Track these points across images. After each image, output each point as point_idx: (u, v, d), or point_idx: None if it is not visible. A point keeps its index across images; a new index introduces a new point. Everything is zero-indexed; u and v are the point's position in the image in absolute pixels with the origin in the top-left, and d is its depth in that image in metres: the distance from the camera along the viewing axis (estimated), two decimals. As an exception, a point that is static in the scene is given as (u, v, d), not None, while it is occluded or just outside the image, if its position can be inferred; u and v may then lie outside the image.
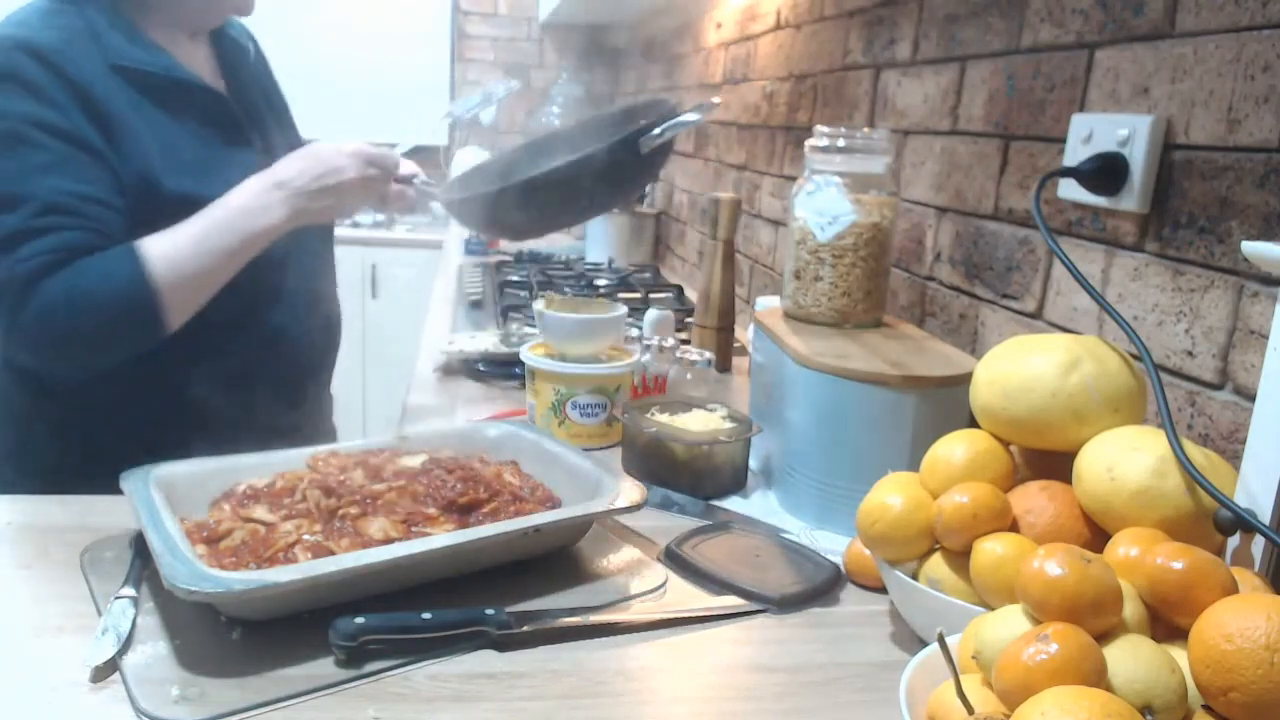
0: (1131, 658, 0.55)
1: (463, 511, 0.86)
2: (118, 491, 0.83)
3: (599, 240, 2.68)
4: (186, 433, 1.00)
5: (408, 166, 1.28)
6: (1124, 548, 0.66)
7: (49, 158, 1.00)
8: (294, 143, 1.25)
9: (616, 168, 1.17)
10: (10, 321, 1.00)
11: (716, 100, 1.27)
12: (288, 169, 1.10)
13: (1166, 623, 0.61)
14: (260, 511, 0.84)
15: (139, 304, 1.01)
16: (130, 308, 1.01)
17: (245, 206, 1.07)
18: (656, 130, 1.08)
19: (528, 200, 1.17)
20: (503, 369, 1.51)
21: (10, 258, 0.98)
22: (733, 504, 1.08)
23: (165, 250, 1.03)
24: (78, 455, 1.11)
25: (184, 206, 1.06)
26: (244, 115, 1.20)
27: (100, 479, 0.89)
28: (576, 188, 1.16)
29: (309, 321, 1.26)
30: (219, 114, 1.15)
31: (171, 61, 1.11)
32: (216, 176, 1.10)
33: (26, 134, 0.99)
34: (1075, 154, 0.97)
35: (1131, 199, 0.90)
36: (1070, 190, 0.98)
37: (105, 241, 1.02)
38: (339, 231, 1.45)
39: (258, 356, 1.19)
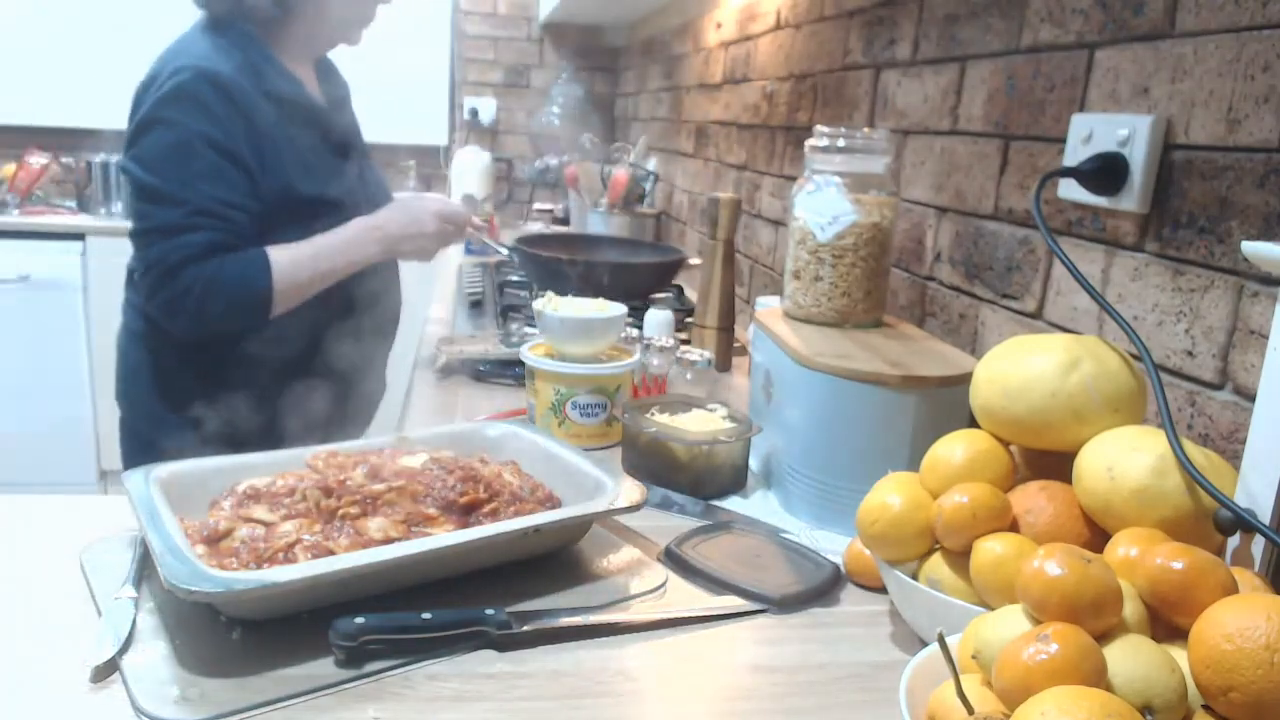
0: (1131, 658, 0.55)
1: (463, 512, 0.86)
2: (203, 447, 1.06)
3: (599, 240, 2.68)
4: (267, 402, 1.39)
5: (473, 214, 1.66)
6: (1124, 548, 0.66)
7: (207, 167, 1.28)
8: (365, 150, 1.57)
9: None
10: (153, 291, 1.31)
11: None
12: (385, 216, 1.43)
13: (1166, 623, 0.61)
14: (260, 511, 0.84)
15: (256, 300, 1.33)
16: (249, 301, 1.33)
17: (349, 240, 1.39)
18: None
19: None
20: (503, 369, 1.51)
21: (167, 243, 1.29)
22: (733, 504, 1.08)
23: (285, 263, 1.34)
24: (174, 404, 1.41)
25: (312, 205, 1.38)
26: (343, 132, 1.50)
27: (189, 431, 1.32)
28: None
29: (378, 315, 1.55)
30: (330, 131, 1.45)
31: (305, 90, 1.42)
32: (335, 181, 1.43)
33: (195, 146, 1.28)
34: (1075, 154, 0.97)
35: (1131, 199, 0.90)
36: (1070, 190, 0.98)
37: (238, 239, 1.31)
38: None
39: (337, 344, 1.48)
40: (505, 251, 1.86)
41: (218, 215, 1.29)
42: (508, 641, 0.75)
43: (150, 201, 1.29)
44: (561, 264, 1.78)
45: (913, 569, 0.78)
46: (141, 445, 1.46)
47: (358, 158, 1.52)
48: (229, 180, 1.30)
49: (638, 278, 1.85)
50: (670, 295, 2.09)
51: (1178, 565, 0.60)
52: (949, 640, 0.59)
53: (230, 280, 1.30)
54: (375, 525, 0.81)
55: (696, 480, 1.08)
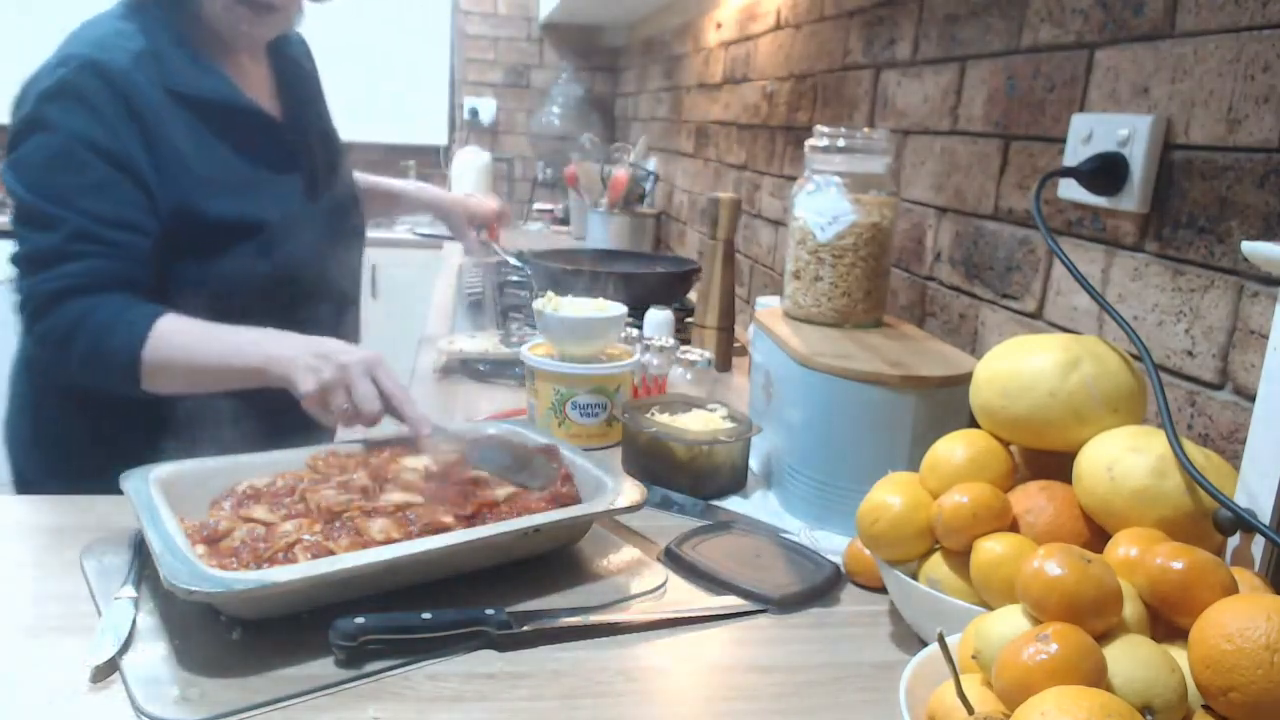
0: (1131, 658, 0.55)
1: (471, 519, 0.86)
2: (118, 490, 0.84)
3: (599, 240, 2.68)
4: (210, 430, 1.03)
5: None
6: (1124, 548, 0.66)
7: (92, 179, 1.05)
8: (334, 162, 1.31)
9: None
10: (28, 327, 1.08)
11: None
12: (301, 345, 1.03)
13: (1166, 623, 0.61)
14: (260, 511, 0.84)
15: (119, 362, 1.04)
16: (111, 361, 1.04)
17: (257, 341, 1.05)
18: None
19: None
20: (503, 369, 1.51)
21: (42, 274, 1.05)
22: (733, 504, 1.08)
23: (171, 334, 1.05)
24: (87, 449, 1.13)
25: (223, 229, 1.12)
26: (295, 140, 1.23)
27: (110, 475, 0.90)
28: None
29: (336, 324, 1.26)
30: (269, 139, 1.19)
31: (227, 86, 1.15)
32: (261, 200, 1.16)
33: (77, 153, 1.05)
34: (1075, 154, 0.97)
35: (1131, 199, 0.90)
36: (1070, 190, 0.98)
37: (132, 267, 1.07)
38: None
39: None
40: (514, 261, 1.83)
41: (102, 240, 1.05)
42: (508, 641, 0.75)
43: (25, 223, 1.07)
44: (581, 274, 1.78)
45: (913, 569, 0.78)
46: (24, 485, 1.21)
47: (317, 171, 1.25)
48: (119, 195, 1.06)
49: (654, 291, 1.83)
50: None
51: (1178, 565, 0.60)
52: (949, 640, 0.59)
53: (96, 328, 1.04)
54: (377, 526, 0.81)
55: (696, 480, 1.08)
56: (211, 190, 1.12)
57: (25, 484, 1.21)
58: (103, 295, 1.04)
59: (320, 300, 1.22)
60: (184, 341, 1.05)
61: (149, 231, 1.08)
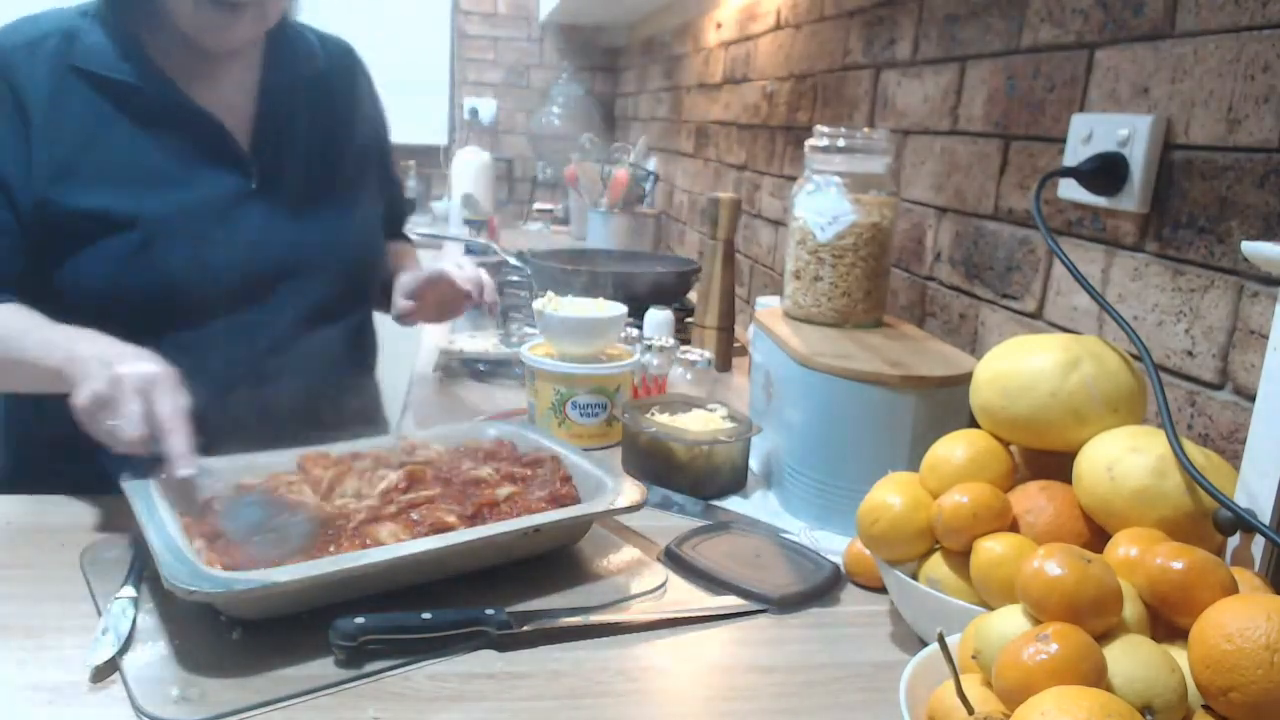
0: (1131, 658, 0.55)
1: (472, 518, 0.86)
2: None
3: (599, 240, 2.68)
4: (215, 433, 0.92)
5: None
6: (1124, 548, 0.66)
7: None
8: (328, 191, 1.15)
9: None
10: None
11: None
12: (103, 349, 0.89)
13: (1166, 623, 0.61)
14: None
15: None
16: None
17: (71, 339, 0.91)
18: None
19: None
20: (503, 369, 1.51)
21: None
22: (733, 504, 1.08)
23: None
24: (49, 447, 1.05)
25: (87, 222, 1.00)
26: (250, 138, 1.11)
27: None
28: None
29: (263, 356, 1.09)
30: (193, 127, 1.06)
31: (138, 69, 1.02)
32: (171, 192, 1.03)
33: None
34: (1075, 154, 0.97)
35: (1131, 199, 0.90)
36: (1070, 190, 0.98)
37: None
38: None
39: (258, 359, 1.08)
40: (514, 261, 1.77)
41: None
42: (508, 641, 0.75)
43: None
44: (581, 274, 1.77)
45: (913, 569, 0.78)
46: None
47: (270, 176, 1.10)
48: None
49: (654, 291, 1.82)
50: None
51: (1178, 565, 0.60)
52: (949, 640, 0.59)
53: None
54: (387, 531, 0.81)
55: (696, 480, 1.08)
56: (86, 180, 1.00)
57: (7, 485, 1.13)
58: None
59: (248, 328, 1.06)
60: (5, 333, 0.95)
61: (3, 227, 0.99)
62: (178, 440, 0.83)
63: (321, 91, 1.18)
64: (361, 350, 1.27)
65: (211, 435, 0.88)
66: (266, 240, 1.08)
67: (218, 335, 1.04)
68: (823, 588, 0.86)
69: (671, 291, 1.86)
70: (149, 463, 0.84)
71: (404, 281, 1.24)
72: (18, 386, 1.00)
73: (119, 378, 0.84)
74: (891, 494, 0.78)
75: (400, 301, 1.22)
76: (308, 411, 1.03)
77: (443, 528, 0.82)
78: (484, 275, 1.21)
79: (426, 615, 0.73)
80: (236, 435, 0.92)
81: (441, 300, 1.23)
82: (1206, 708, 0.55)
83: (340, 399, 1.14)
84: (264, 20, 1.06)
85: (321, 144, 1.17)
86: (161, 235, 1.02)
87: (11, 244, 1.00)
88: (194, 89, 1.07)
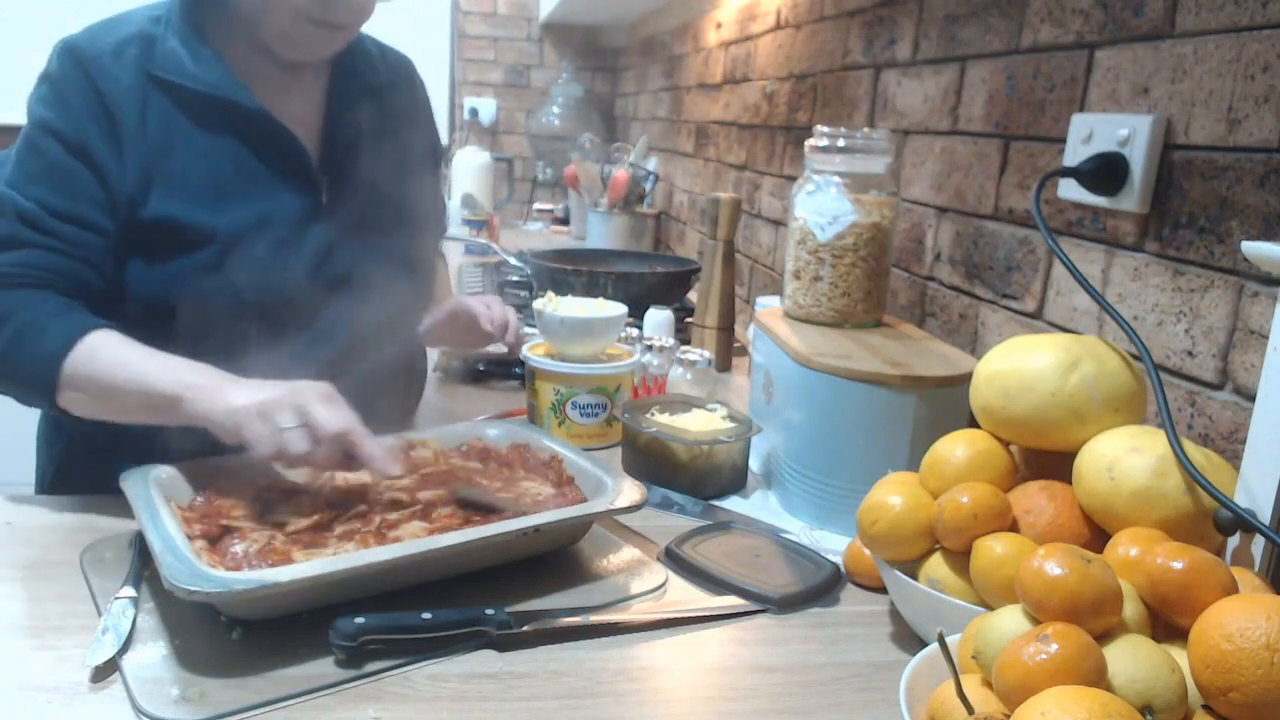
0: (1131, 658, 0.55)
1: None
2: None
3: (599, 240, 2.68)
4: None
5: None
6: (1124, 548, 0.66)
7: (47, 167, 0.97)
8: (380, 192, 1.12)
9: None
10: None
11: None
12: (245, 394, 0.87)
13: (1166, 623, 0.61)
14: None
15: (38, 372, 0.93)
16: (30, 369, 0.93)
17: (191, 382, 0.89)
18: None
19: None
20: (503, 369, 1.51)
21: None
22: (733, 504, 1.08)
23: (101, 349, 0.93)
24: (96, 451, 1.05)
25: (166, 233, 0.99)
26: (319, 153, 1.09)
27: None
28: None
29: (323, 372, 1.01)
30: (271, 140, 1.05)
31: (219, 79, 1.01)
32: (247, 205, 1.02)
33: (39, 140, 0.98)
34: (1075, 154, 0.97)
35: (1131, 199, 0.90)
36: (1070, 190, 0.98)
37: (75, 264, 0.96)
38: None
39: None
40: (514, 261, 1.76)
41: (47, 230, 0.95)
42: (508, 641, 0.75)
43: None
44: (581, 274, 1.77)
45: (913, 569, 0.78)
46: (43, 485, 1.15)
47: (338, 193, 1.09)
48: (73, 187, 0.97)
49: (654, 291, 1.82)
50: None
51: (1178, 565, 0.60)
52: (949, 640, 0.59)
53: (21, 326, 0.93)
54: (410, 531, 0.82)
55: (696, 480, 1.08)
56: (166, 190, 0.99)
57: (44, 485, 1.15)
58: (39, 292, 0.95)
59: (309, 344, 1.04)
60: (110, 359, 0.92)
61: (103, 231, 0.98)
62: (374, 444, 0.85)
63: (384, 105, 1.15)
64: (413, 368, 1.25)
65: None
66: (334, 256, 1.07)
67: (285, 350, 1.01)
68: (823, 588, 0.86)
69: (671, 291, 1.86)
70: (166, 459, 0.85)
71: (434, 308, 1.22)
72: (115, 415, 0.95)
73: (299, 386, 0.85)
74: (891, 494, 0.78)
75: (426, 322, 1.20)
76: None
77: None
78: (511, 317, 1.18)
79: (426, 615, 0.73)
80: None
81: (463, 333, 1.20)
82: (1206, 708, 0.55)
83: (389, 411, 1.11)
84: (351, 35, 1.06)
85: (384, 159, 1.14)
86: (236, 250, 1.00)
87: (112, 252, 0.98)
88: (267, 100, 1.05)
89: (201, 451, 0.89)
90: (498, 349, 1.35)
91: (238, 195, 1.02)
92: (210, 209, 1.00)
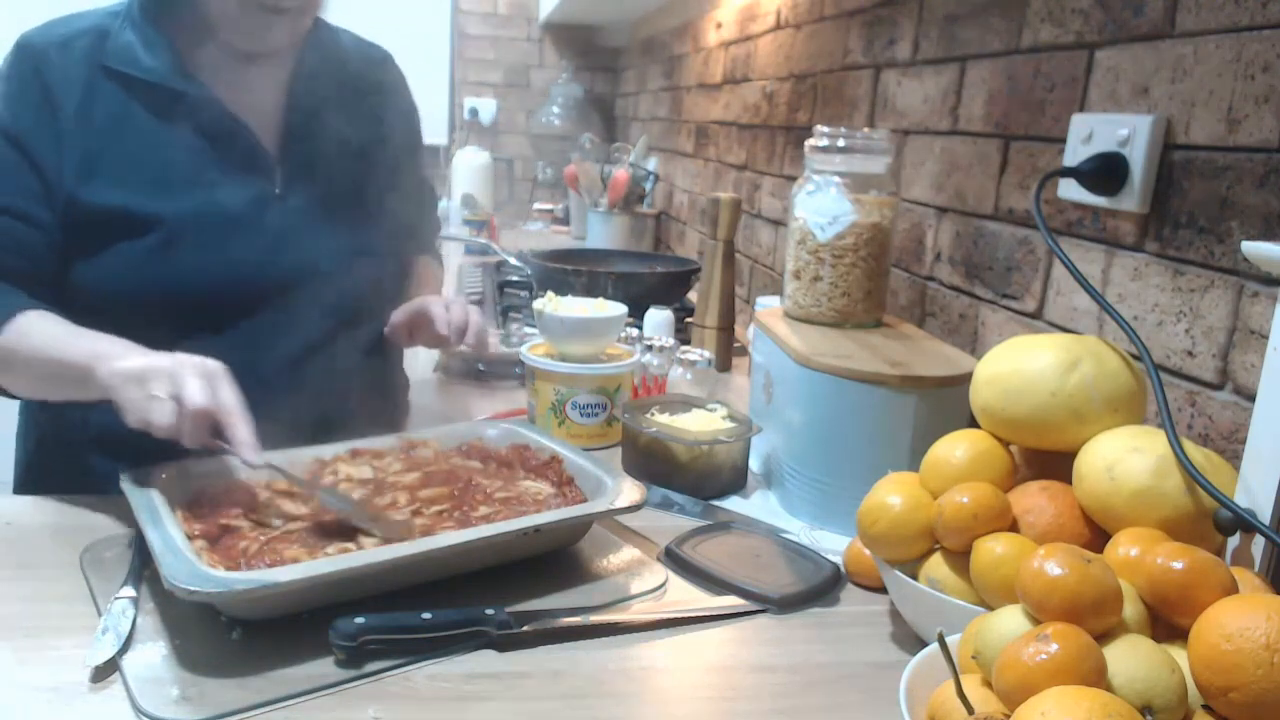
0: (1131, 658, 0.55)
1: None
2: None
3: (599, 240, 2.68)
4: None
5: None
6: (1124, 548, 0.66)
7: None
8: (343, 183, 1.12)
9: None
10: None
11: None
12: (132, 360, 0.87)
13: (1166, 623, 0.61)
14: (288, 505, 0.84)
15: None
16: None
17: (99, 350, 0.90)
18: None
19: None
20: (503, 369, 1.51)
21: None
22: (733, 504, 1.08)
23: (33, 329, 0.95)
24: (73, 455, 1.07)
25: (109, 221, 0.99)
26: (276, 143, 1.09)
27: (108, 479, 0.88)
28: None
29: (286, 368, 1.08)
30: (223, 129, 1.05)
31: (168, 68, 1.02)
32: (194, 193, 1.02)
33: None
34: (1075, 154, 0.97)
35: (1131, 199, 0.90)
36: (1070, 190, 0.98)
37: (9, 256, 0.97)
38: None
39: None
40: (514, 261, 1.76)
41: None
42: (508, 641, 0.75)
43: None
44: (581, 274, 1.77)
45: (913, 569, 0.78)
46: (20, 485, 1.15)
47: (294, 184, 1.09)
48: (11, 180, 0.98)
49: (654, 291, 1.82)
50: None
51: (1178, 565, 0.60)
52: (949, 640, 0.59)
53: None
54: (420, 524, 0.82)
55: (696, 480, 1.08)
56: (110, 178, 1.00)
57: (19, 482, 1.15)
58: None
59: (270, 334, 1.05)
60: (41, 337, 0.94)
61: (37, 222, 0.98)
62: (244, 427, 0.83)
63: (351, 97, 1.15)
64: (382, 357, 1.24)
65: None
66: (287, 245, 1.06)
67: (235, 339, 1.02)
68: (823, 588, 0.86)
69: (671, 291, 1.86)
70: (154, 461, 0.85)
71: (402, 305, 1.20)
72: (46, 393, 0.99)
73: (182, 358, 0.84)
74: (891, 494, 0.78)
75: (393, 320, 1.18)
76: (324, 418, 1.02)
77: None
78: (472, 318, 1.14)
79: (426, 615, 0.73)
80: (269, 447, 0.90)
81: (423, 334, 1.17)
82: (1206, 708, 0.55)
83: (359, 405, 1.11)
84: (302, 24, 1.06)
85: (348, 151, 1.14)
86: (182, 237, 1.01)
87: (48, 242, 0.99)
88: (223, 91, 1.06)
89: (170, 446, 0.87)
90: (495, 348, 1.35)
91: (185, 183, 1.02)
92: (155, 196, 1.00)
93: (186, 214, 1.01)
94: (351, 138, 1.14)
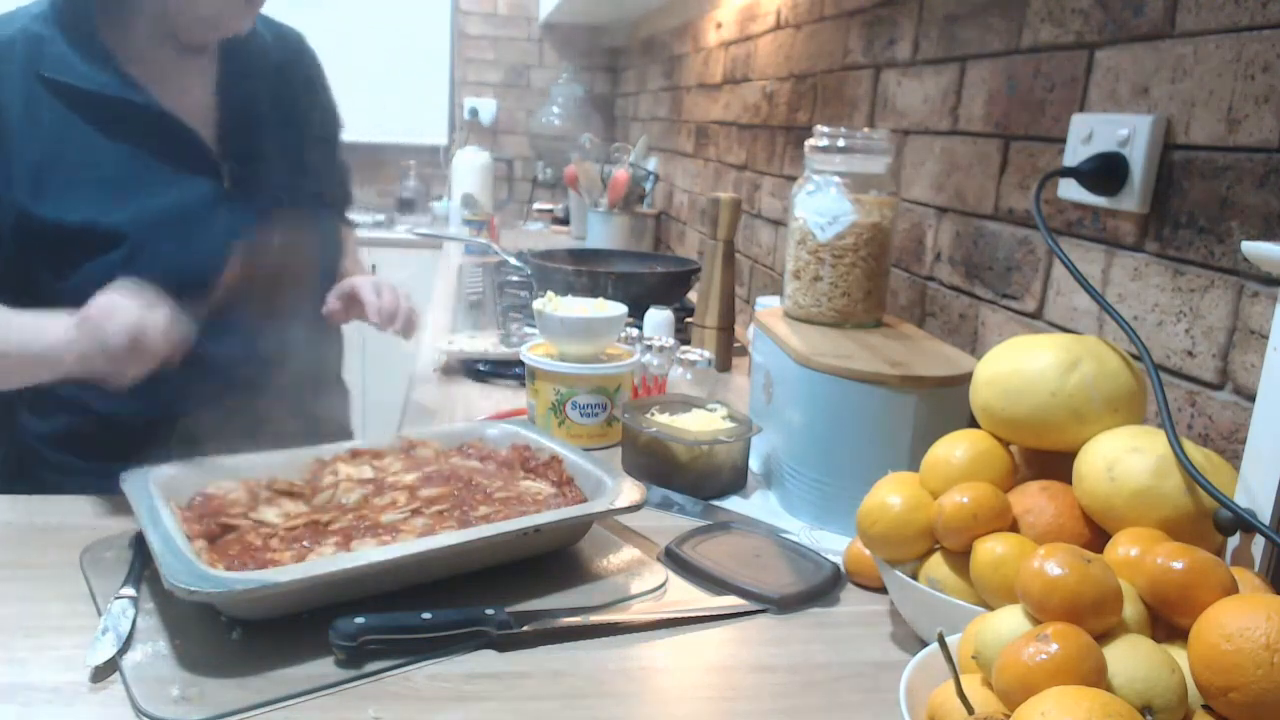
0: (1131, 658, 0.55)
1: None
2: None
3: (599, 240, 2.68)
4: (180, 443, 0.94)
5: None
6: (1124, 548, 0.66)
7: None
8: (283, 171, 1.14)
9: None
10: None
11: None
12: (72, 335, 0.91)
13: (1166, 623, 0.61)
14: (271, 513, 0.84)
15: None
16: None
17: (42, 325, 0.93)
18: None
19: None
20: (503, 369, 1.51)
21: None
22: (733, 504, 1.08)
23: None
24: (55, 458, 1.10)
25: (72, 237, 1.00)
26: (216, 138, 1.10)
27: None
28: None
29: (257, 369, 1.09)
30: (167, 134, 1.05)
31: (108, 78, 1.01)
32: (149, 200, 1.03)
33: None
34: (1075, 154, 0.97)
35: (1131, 199, 0.90)
36: (1070, 190, 0.98)
37: None
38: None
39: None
40: (514, 261, 1.77)
41: None
42: (508, 641, 0.75)
43: None
44: (581, 274, 1.77)
45: (913, 569, 0.78)
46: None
47: (242, 178, 1.10)
48: None
49: (654, 291, 1.82)
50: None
51: (1178, 565, 0.60)
52: (949, 640, 0.59)
53: None
54: (421, 524, 0.82)
55: (696, 480, 1.08)
56: (63, 191, 0.99)
57: None
58: None
59: (224, 333, 1.04)
60: None
61: None
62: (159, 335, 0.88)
63: (278, 84, 1.17)
64: (327, 347, 1.27)
65: (187, 439, 0.90)
66: (241, 238, 1.06)
67: (208, 339, 1.01)
68: (823, 588, 0.86)
69: (671, 291, 1.86)
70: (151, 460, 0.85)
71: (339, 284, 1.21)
72: (19, 378, 1.00)
73: (124, 330, 0.88)
74: (891, 494, 0.78)
75: (330, 301, 1.19)
76: (277, 412, 1.04)
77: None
78: (401, 304, 1.16)
79: (426, 615, 0.73)
80: (216, 438, 0.93)
81: (357, 317, 1.19)
82: (1206, 708, 0.55)
83: (308, 398, 1.14)
84: (261, 4, 1.07)
85: (284, 138, 1.16)
86: (146, 246, 1.02)
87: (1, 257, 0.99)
88: (161, 92, 1.05)
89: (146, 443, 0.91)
90: (485, 343, 1.34)
91: (140, 192, 1.03)
92: (114, 208, 1.01)
93: (147, 223, 1.02)
94: (285, 124, 1.17)
